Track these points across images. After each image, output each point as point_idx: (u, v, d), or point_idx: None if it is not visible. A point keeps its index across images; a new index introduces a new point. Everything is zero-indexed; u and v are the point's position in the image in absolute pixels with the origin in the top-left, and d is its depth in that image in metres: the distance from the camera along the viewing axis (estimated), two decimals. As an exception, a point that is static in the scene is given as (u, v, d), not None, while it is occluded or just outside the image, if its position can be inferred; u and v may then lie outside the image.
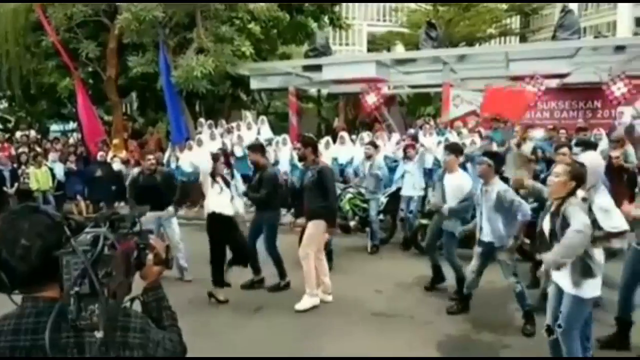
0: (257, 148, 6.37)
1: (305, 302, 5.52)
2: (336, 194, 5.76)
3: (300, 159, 5.84)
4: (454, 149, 5.98)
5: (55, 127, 21.44)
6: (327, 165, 5.81)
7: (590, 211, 3.80)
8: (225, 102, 16.33)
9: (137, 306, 1.63)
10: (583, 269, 3.49)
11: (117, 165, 11.70)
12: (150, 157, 6.78)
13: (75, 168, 11.50)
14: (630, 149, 8.77)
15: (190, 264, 6.73)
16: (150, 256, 1.63)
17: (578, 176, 3.60)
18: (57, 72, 13.31)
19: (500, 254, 4.99)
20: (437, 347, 4.73)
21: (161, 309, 1.68)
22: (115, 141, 12.65)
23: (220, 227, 5.78)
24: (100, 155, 11.56)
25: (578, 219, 3.36)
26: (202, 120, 12.78)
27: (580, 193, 3.70)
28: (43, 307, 1.36)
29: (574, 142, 6.73)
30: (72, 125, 20.29)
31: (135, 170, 7.76)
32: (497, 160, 5.19)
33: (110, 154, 11.96)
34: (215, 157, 6.05)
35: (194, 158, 10.85)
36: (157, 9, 10.80)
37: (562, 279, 3.62)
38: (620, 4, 47.00)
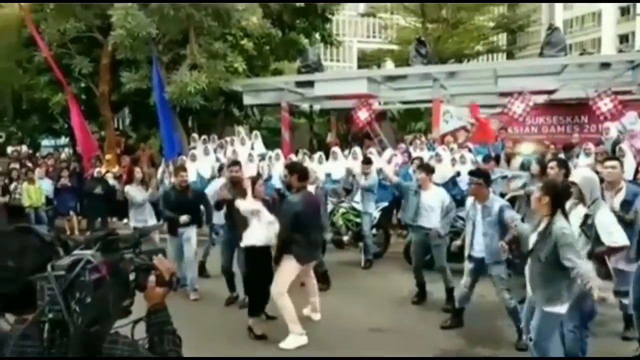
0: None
1: (291, 342, 5.12)
2: (308, 227, 5.17)
3: (288, 187, 5.48)
4: (426, 168, 6.37)
5: (46, 142, 21.38)
6: (308, 193, 5.40)
7: (592, 227, 3.90)
8: (218, 118, 16.40)
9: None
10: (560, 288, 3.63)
11: (110, 181, 11.72)
12: (183, 173, 6.64)
13: (70, 184, 11.45)
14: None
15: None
16: (152, 277, 1.58)
17: (551, 190, 3.71)
18: (50, 87, 13.30)
19: (493, 269, 5.06)
20: (435, 360, 4.78)
21: (163, 332, 1.61)
22: (107, 157, 12.64)
23: (262, 260, 5.29)
24: (97, 171, 11.55)
25: (571, 252, 3.51)
26: (195, 135, 12.83)
27: (582, 210, 3.79)
28: (31, 330, 1.31)
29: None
30: (63, 140, 20.25)
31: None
32: (486, 177, 5.32)
33: (103, 170, 11.94)
34: (254, 180, 5.55)
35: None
36: (150, 26, 10.89)
37: (533, 292, 3.78)
38: (604, 22, 48.12)
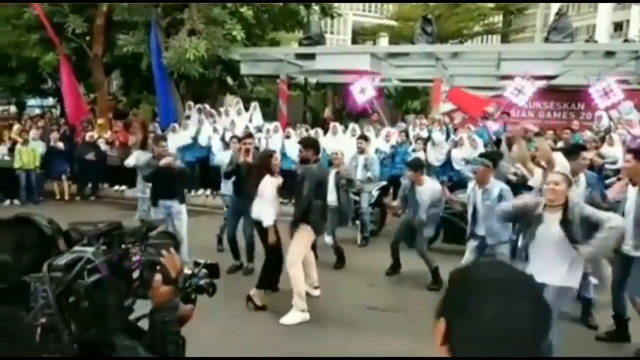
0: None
1: (292, 317, 5.10)
2: (323, 198, 5.29)
3: (303, 161, 5.42)
4: (414, 166, 6.39)
5: (32, 102, 20.80)
6: (322, 165, 5.53)
7: None
8: (212, 86, 16.05)
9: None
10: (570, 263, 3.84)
11: (102, 146, 11.48)
12: (163, 143, 6.45)
13: (61, 147, 11.18)
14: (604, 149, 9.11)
15: (192, 256, 6.57)
16: (158, 276, 1.48)
17: (570, 182, 3.98)
18: (40, 46, 12.84)
19: (497, 248, 5.20)
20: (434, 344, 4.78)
21: (166, 333, 1.51)
22: (100, 121, 12.31)
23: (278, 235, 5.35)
24: (89, 136, 11.28)
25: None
26: (190, 103, 12.55)
27: None
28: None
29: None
30: (51, 101, 19.73)
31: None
32: (494, 161, 5.39)
33: (95, 134, 11.66)
34: (269, 154, 5.61)
35: (178, 141, 10.69)
36: (151, -13, 10.52)
37: (550, 274, 3.85)
38: (600, 9, 48.00)
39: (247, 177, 5.86)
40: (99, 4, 12.14)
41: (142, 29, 11.84)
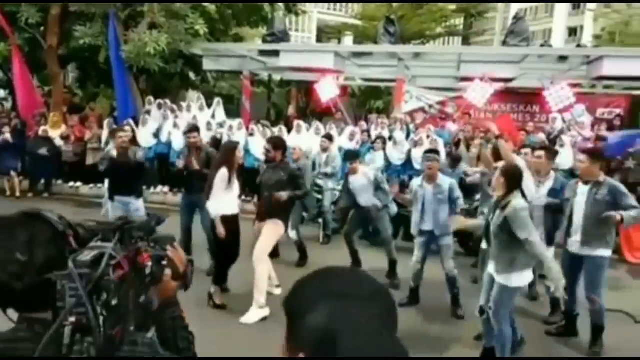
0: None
1: (252, 315, 5.09)
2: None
3: (269, 160, 5.46)
4: (350, 157, 6.64)
5: (-20, 94, 19.86)
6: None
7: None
8: (173, 81, 15.75)
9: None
10: (510, 262, 3.94)
11: (57, 141, 11.07)
12: (122, 134, 6.21)
13: (12, 141, 10.71)
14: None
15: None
16: (168, 271, 1.43)
17: (508, 174, 4.00)
18: (-10, 36, 12.28)
19: (443, 239, 5.49)
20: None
21: (176, 329, 1.49)
22: (54, 114, 11.86)
23: (233, 229, 5.29)
24: (42, 130, 10.84)
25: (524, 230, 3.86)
26: (150, 98, 12.26)
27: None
28: (38, 332, 1.15)
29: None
30: (2, 93, 18.90)
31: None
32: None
33: (50, 129, 11.21)
34: (232, 146, 5.53)
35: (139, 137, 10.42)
36: (108, -22, 10.22)
37: (496, 270, 4.06)
38: (556, 14, 49.81)
39: (198, 178, 5.88)
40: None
41: (100, 21, 11.48)
